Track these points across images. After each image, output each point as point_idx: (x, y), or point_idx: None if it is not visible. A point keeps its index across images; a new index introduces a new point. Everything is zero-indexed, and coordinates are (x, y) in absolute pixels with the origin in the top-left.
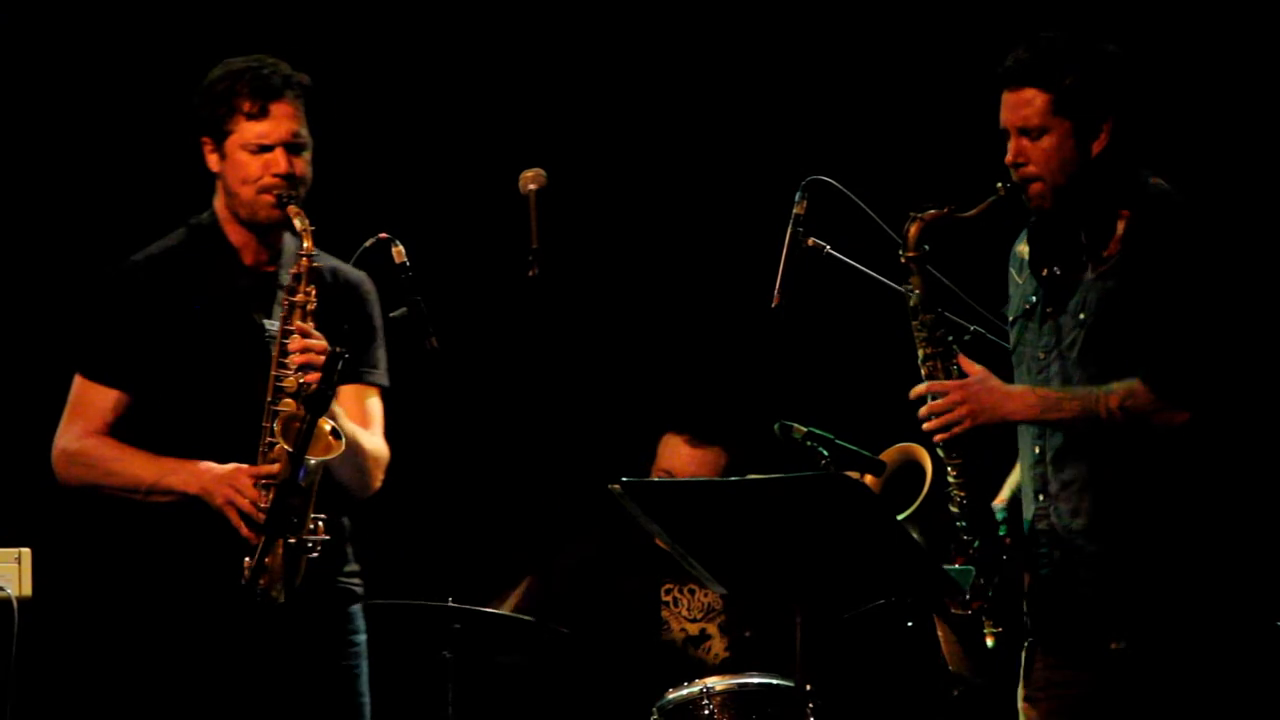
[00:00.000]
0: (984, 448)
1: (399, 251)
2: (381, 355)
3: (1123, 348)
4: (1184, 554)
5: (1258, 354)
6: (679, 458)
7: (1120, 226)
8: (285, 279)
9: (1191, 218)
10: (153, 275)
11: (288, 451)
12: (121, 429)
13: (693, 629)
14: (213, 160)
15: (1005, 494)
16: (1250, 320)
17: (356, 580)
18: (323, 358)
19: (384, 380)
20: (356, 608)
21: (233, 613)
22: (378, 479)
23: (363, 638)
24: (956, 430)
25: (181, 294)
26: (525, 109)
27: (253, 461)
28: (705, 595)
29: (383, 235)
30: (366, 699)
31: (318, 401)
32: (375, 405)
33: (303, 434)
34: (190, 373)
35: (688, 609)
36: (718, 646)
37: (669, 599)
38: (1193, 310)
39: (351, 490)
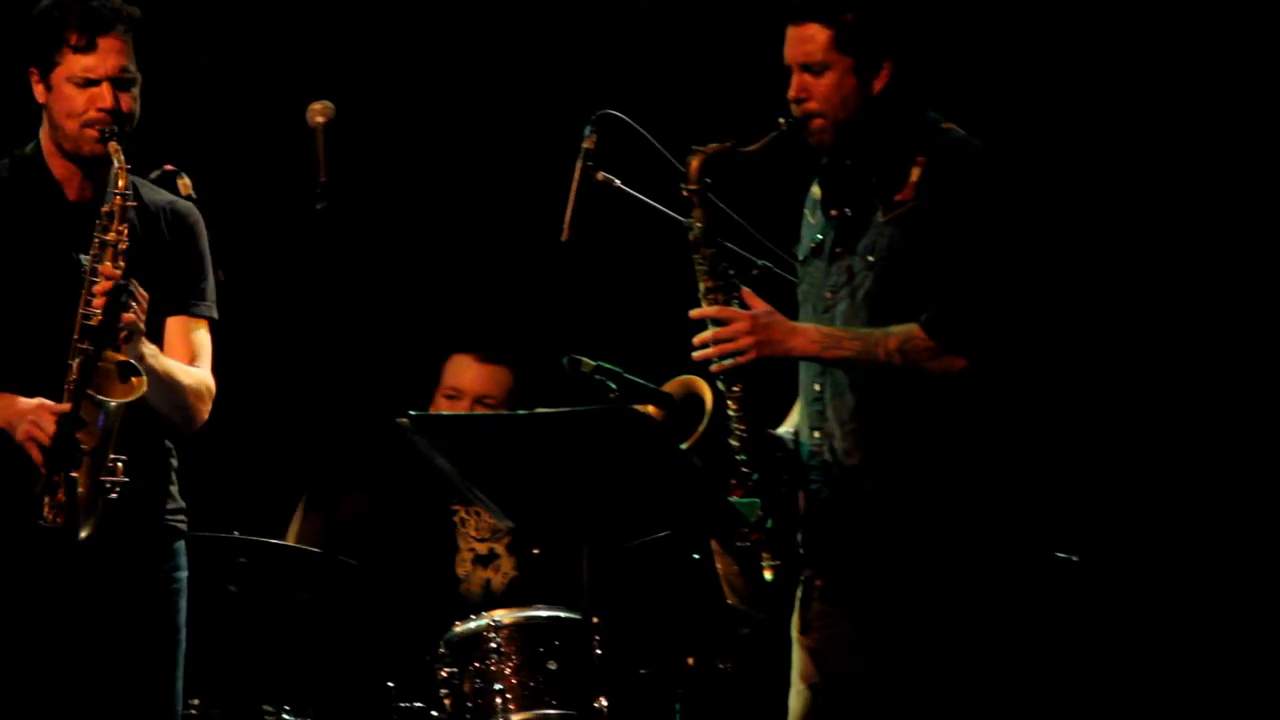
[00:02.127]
0: (764, 381)
1: (185, 184)
2: (210, 287)
3: (909, 292)
4: (955, 491)
5: (1035, 305)
6: (467, 374)
7: (915, 173)
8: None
9: (984, 169)
10: None
11: (76, 387)
12: None
13: (481, 549)
14: (39, 91)
15: (786, 427)
16: (1030, 272)
17: (181, 518)
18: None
19: (212, 313)
20: (179, 544)
21: (35, 548)
22: (203, 412)
23: (184, 574)
24: (739, 360)
25: None
26: (312, 39)
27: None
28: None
29: (168, 167)
30: (182, 635)
31: (101, 335)
32: (203, 338)
33: (85, 369)
34: (2, 306)
35: (475, 529)
36: (506, 565)
37: (456, 520)
38: (975, 260)
39: (176, 425)
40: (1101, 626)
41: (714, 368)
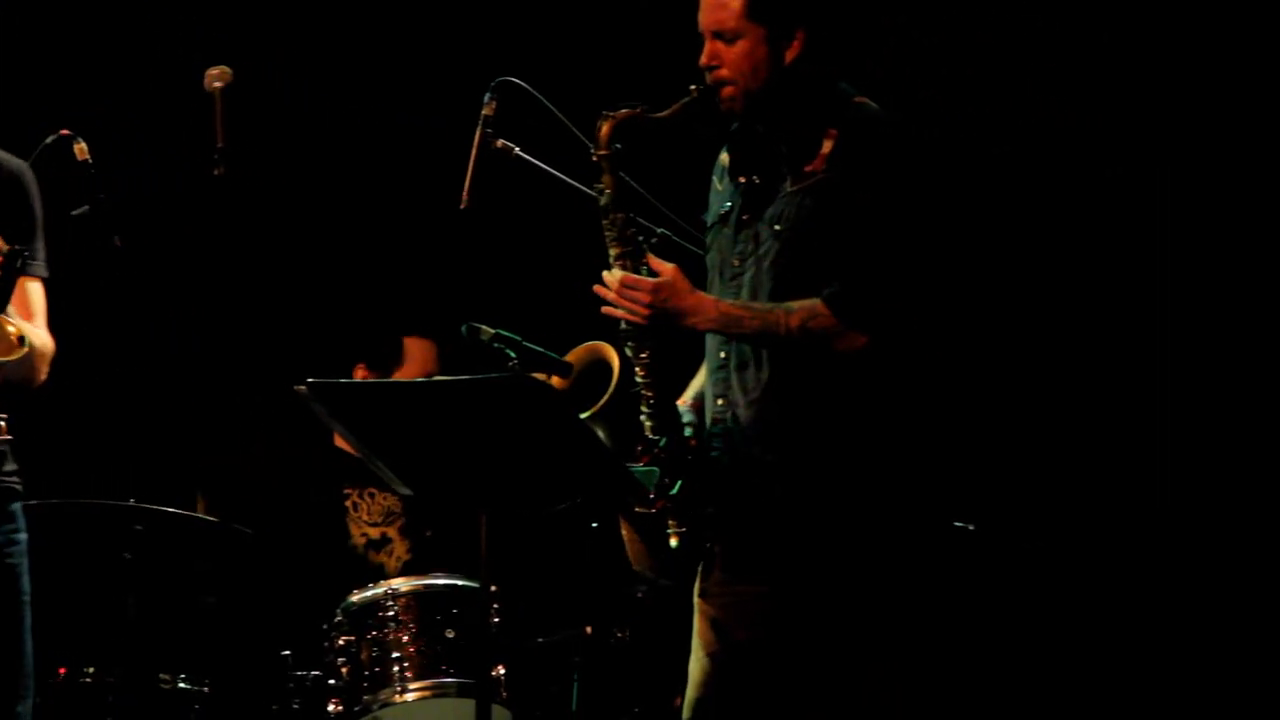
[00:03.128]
0: (671, 347)
1: (81, 148)
2: (41, 246)
3: (814, 263)
4: (853, 461)
5: (940, 283)
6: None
7: (827, 145)
8: None
9: (895, 144)
10: None
11: None
12: None
13: (373, 533)
14: None
15: (689, 395)
16: (935, 250)
17: (16, 479)
18: None
19: (45, 271)
20: (16, 506)
21: None
22: (43, 372)
23: (24, 535)
24: (630, 318)
25: None
26: (210, 4)
27: None
28: (385, 499)
29: (64, 132)
30: (27, 596)
31: None
32: (39, 296)
33: None
34: None
35: (368, 513)
36: (399, 549)
37: (349, 505)
38: (880, 236)
39: (15, 385)
40: (995, 595)
41: (605, 309)
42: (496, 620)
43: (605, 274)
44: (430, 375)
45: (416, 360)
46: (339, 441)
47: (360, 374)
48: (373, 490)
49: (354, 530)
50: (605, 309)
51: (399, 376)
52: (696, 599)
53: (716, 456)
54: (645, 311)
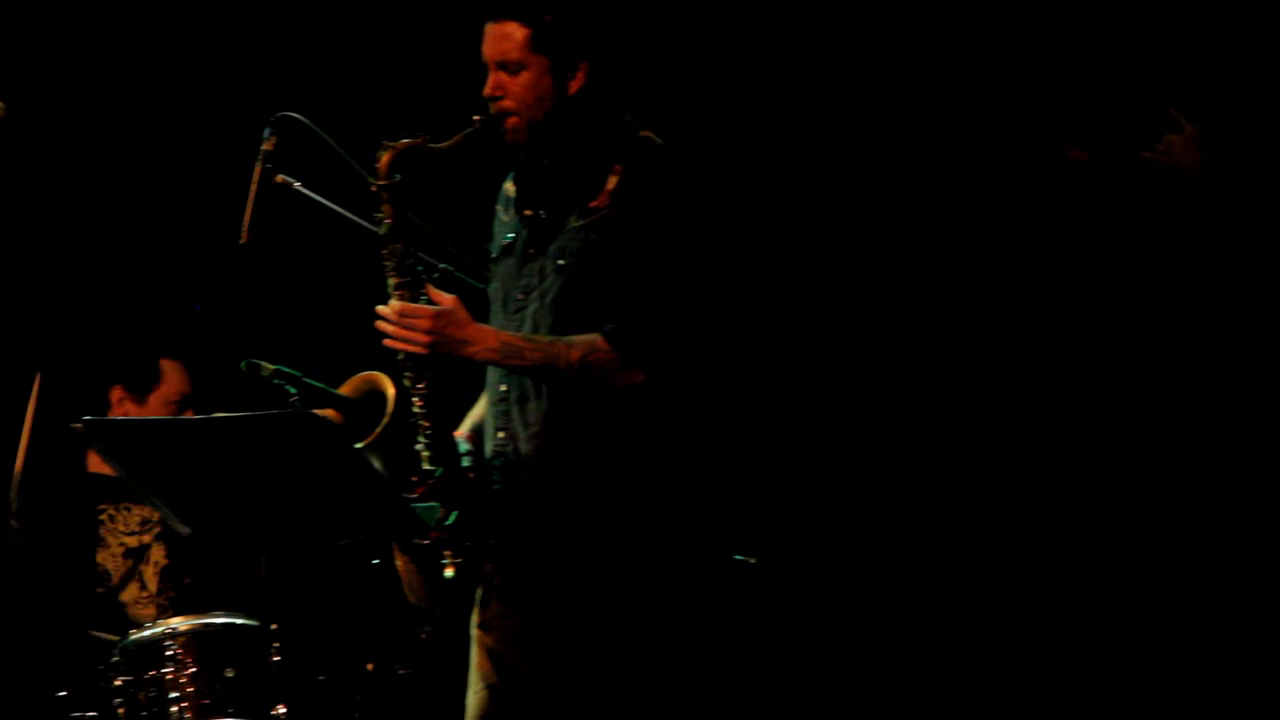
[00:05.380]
0: (449, 378)
1: None
2: None
3: (596, 299)
4: (630, 496)
5: (717, 322)
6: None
7: (612, 180)
8: None
9: (677, 183)
10: None
11: None
12: None
13: (131, 541)
14: None
15: (467, 426)
16: (713, 289)
17: None
18: None
19: None
20: None
21: None
22: None
23: None
24: (410, 348)
25: None
26: None
27: None
28: (141, 509)
29: None
30: None
31: None
32: None
33: None
34: None
35: (124, 524)
36: (157, 554)
37: (105, 518)
38: (661, 274)
39: None
40: (780, 627)
41: (386, 342)
42: (277, 658)
43: (381, 307)
44: (184, 396)
45: (172, 381)
46: (95, 464)
47: (117, 395)
48: (128, 505)
49: (111, 541)
50: (387, 341)
51: (155, 398)
52: (475, 630)
53: (498, 489)
54: (425, 339)
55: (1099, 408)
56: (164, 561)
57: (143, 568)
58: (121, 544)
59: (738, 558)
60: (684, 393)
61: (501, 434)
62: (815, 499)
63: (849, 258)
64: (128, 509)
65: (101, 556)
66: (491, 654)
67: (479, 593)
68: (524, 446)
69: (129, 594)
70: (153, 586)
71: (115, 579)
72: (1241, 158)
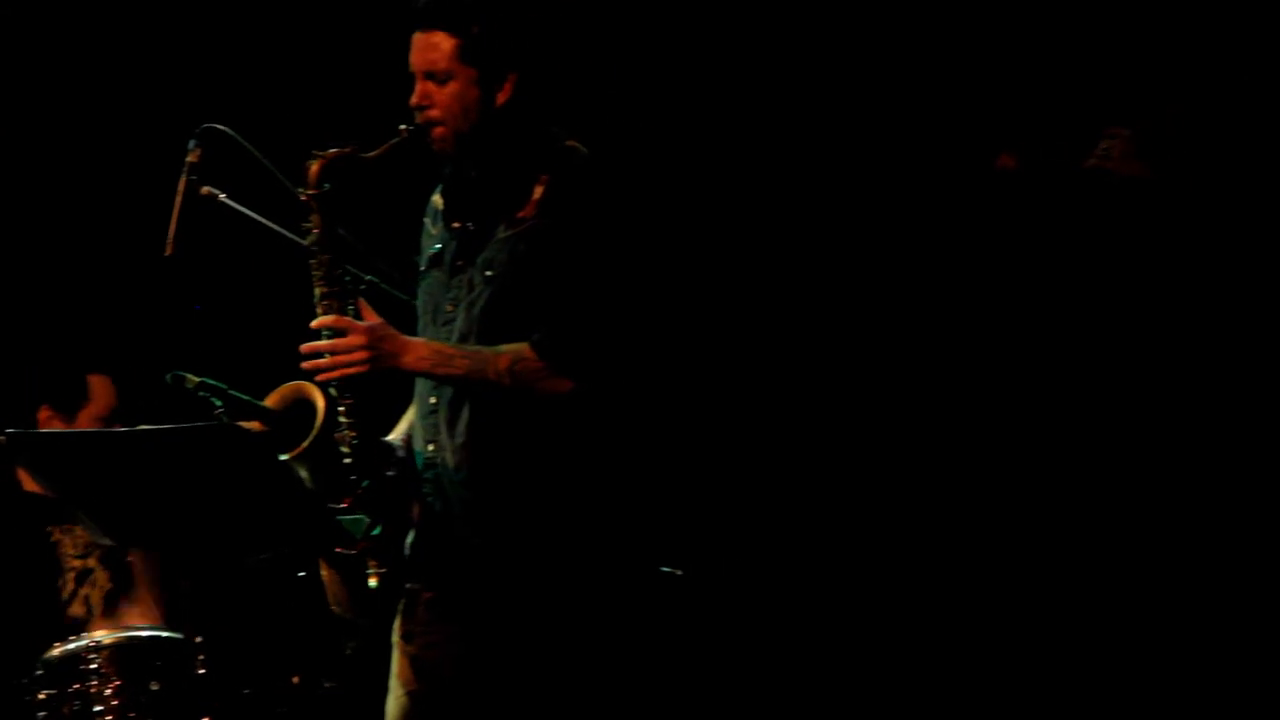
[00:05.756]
0: (376, 389)
1: None
2: None
3: (524, 309)
4: (559, 507)
5: (644, 330)
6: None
7: (539, 191)
8: None
9: (603, 192)
10: None
11: None
12: None
13: (78, 564)
14: None
15: (397, 434)
16: (640, 297)
17: None
18: None
19: None
20: None
21: None
22: None
23: None
24: (350, 372)
25: None
26: None
27: None
28: (84, 532)
29: None
30: None
31: None
32: None
33: None
34: None
35: (73, 547)
36: (101, 578)
37: (55, 542)
38: (587, 282)
39: None
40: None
41: (321, 377)
42: (202, 671)
43: (313, 323)
44: (113, 411)
45: (100, 398)
46: (29, 484)
47: (45, 415)
48: (71, 526)
49: (63, 564)
50: (309, 363)
51: (84, 416)
52: (398, 639)
53: (429, 501)
54: (364, 356)
55: (1028, 415)
56: (108, 585)
57: (88, 590)
58: (72, 568)
59: (664, 569)
60: (611, 402)
61: (431, 446)
62: (743, 508)
63: (775, 263)
64: (71, 531)
65: (60, 581)
66: (414, 660)
67: (402, 602)
68: (452, 458)
69: (75, 614)
70: (98, 611)
71: (73, 606)
72: (1181, 164)
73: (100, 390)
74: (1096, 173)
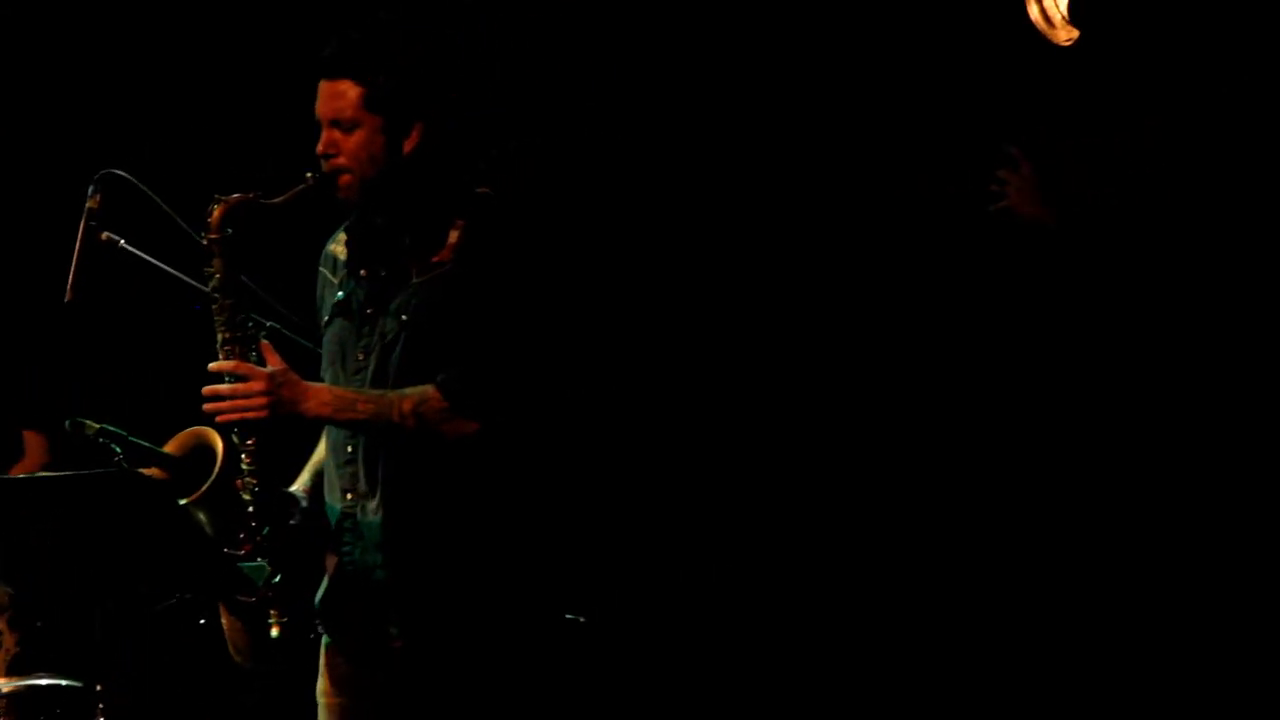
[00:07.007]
0: (279, 434)
1: None
2: None
3: (437, 354)
4: (469, 554)
5: (553, 371)
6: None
7: (454, 236)
8: None
9: (513, 234)
10: None
11: None
12: None
13: None
14: None
15: (300, 484)
16: (549, 338)
17: None
18: None
19: None
20: None
21: None
22: None
23: None
24: (250, 416)
25: None
26: None
27: None
28: None
29: None
30: None
31: None
32: None
33: None
34: None
35: None
36: (8, 642)
37: None
38: (495, 324)
39: None
40: (607, 687)
41: (221, 418)
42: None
43: (212, 365)
44: (46, 467)
45: (34, 454)
46: None
47: None
48: None
49: None
50: (210, 406)
51: (17, 472)
52: (321, 696)
53: (348, 553)
54: (264, 401)
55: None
56: (15, 649)
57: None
58: None
59: (569, 616)
60: (520, 444)
61: (350, 496)
62: (654, 550)
63: (685, 302)
64: None
65: None
66: (342, 711)
67: (324, 657)
68: (369, 504)
69: None
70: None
71: None
72: (1082, 200)
73: (34, 447)
74: (993, 208)
